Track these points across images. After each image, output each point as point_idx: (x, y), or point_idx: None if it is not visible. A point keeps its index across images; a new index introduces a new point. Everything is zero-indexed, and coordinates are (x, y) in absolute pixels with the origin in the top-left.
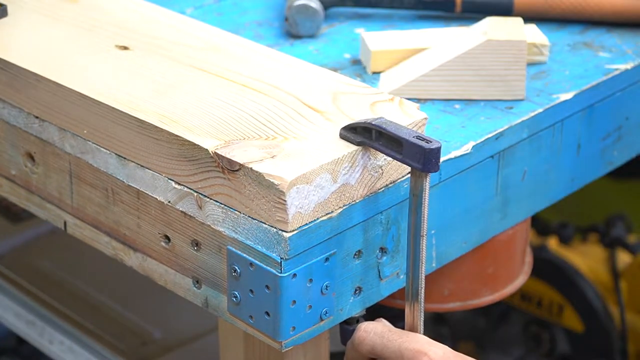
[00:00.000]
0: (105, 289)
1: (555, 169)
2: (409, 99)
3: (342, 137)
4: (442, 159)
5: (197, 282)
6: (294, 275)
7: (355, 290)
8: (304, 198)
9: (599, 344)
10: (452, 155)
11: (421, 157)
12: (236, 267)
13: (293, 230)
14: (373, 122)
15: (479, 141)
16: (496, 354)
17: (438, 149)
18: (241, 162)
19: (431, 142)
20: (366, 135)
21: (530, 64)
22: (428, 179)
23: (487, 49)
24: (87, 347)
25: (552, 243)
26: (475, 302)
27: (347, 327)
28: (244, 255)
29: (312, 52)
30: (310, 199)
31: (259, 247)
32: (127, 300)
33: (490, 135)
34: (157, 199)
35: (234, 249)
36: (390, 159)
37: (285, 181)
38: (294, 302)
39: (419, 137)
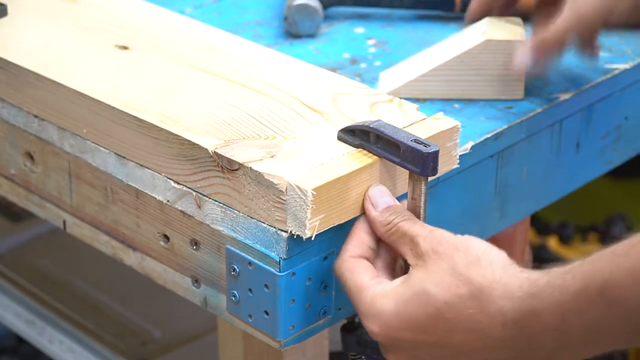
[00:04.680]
0: (105, 288)
1: (555, 168)
2: (408, 99)
3: (340, 139)
4: None
5: (196, 281)
6: (293, 274)
7: None
8: None
9: None
10: None
11: (419, 161)
12: (235, 266)
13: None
14: (371, 125)
15: (478, 141)
16: None
17: (436, 153)
18: (241, 162)
19: (429, 145)
20: (364, 138)
21: None
22: (426, 182)
23: (487, 48)
24: (87, 347)
25: (552, 242)
26: None
27: (347, 334)
28: (243, 254)
29: (312, 51)
30: None
31: (258, 246)
32: (127, 300)
33: (489, 135)
34: (156, 198)
35: (233, 248)
36: None
37: (284, 181)
38: (293, 301)
39: (416, 141)
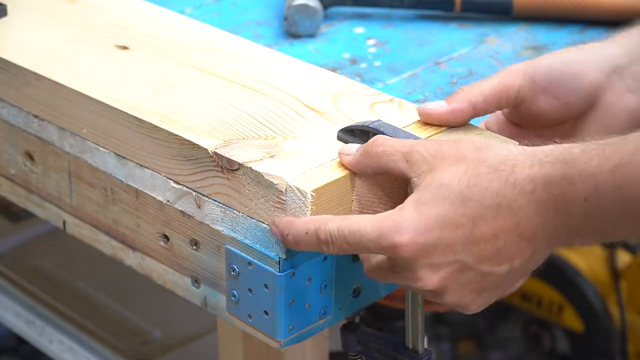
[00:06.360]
0: (105, 288)
1: None
2: None
3: (340, 139)
4: None
5: (196, 281)
6: (293, 274)
7: (354, 289)
8: None
9: (599, 344)
10: None
11: None
12: (235, 267)
13: None
14: (371, 125)
15: None
16: (496, 353)
17: None
18: (240, 162)
19: None
20: (364, 137)
21: None
22: None
23: None
24: (87, 347)
25: None
26: None
27: (347, 333)
28: (243, 254)
29: (312, 51)
30: None
31: (258, 246)
32: (127, 300)
33: None
34: (156, 198)
35: (232, 248)
36: None
37: (284, 181)
38: (293, 301)
39: None
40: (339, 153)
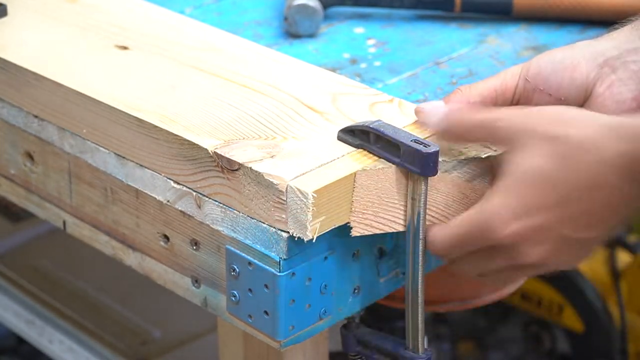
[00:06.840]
0: (105, 288)
1: None
2: None
3: (340, 139)
4: None
5: (196, 281)
6: (293, 274)
7: (354, 289)
8: None
9: (599, 344)
10: None
11: (419, 161)
12: (235, 267)
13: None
14: (371, 126)
15: None
16: (496, 353)
17: (436, 153)
18: (240, 162)
19: (429, 146)
20: (364, 138)
21: None
22: (426, 182)
23: None
24: (86, 347)
25: None
26: (475, 301)
27: (347, 333)
28: (243, 254)
29: (311, 51)
30: None
31: (258, 246)
32: (127, 300)
33: None
34: (156, 198)
35: (232, 249)
36: None
37: (284, 181)
38: (293, 301)
39: (416, 141)
40: (418, 110)
